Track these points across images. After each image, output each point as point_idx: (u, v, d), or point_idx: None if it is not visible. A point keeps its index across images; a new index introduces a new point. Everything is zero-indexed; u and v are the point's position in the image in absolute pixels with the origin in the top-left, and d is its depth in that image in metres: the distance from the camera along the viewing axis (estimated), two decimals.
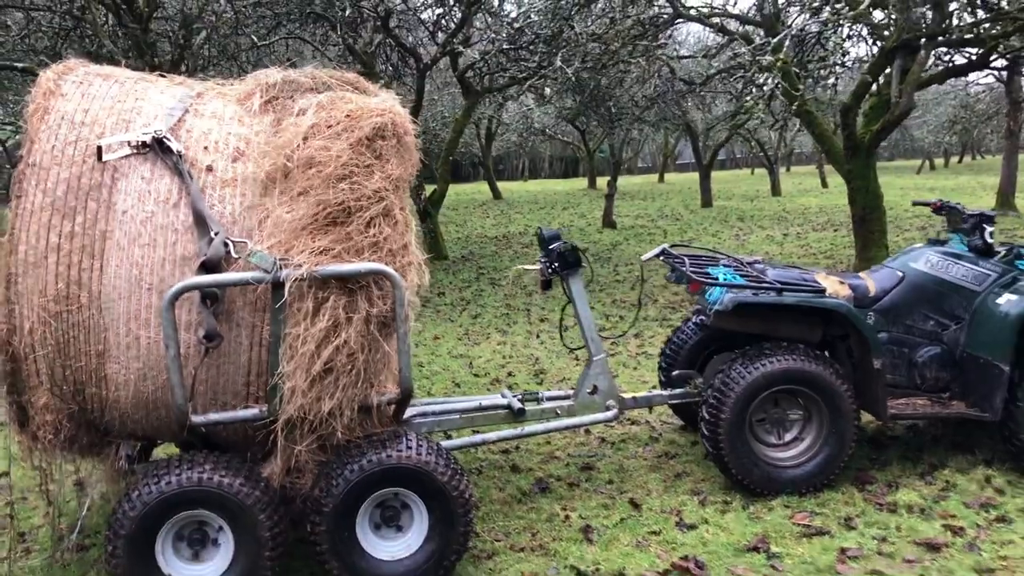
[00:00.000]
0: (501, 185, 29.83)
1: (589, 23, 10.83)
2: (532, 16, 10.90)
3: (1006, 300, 4.25)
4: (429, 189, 13.74)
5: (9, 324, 3.13)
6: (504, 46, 11.69)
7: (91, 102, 3.36)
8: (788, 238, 14.95)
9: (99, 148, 3.18)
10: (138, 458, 3.65)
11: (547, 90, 13.16)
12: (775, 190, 25.41)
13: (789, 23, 9.87)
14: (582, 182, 34.38)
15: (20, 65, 9.30)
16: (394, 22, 12.41)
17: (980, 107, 26.76)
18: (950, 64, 10.12)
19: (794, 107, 8.68)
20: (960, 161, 44.01)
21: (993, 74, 15.96)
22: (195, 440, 3.35)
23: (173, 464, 3.20)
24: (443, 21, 13.18)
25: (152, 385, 3.23)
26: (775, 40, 7.99)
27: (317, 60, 13.70)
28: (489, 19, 13.09)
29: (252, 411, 3.27)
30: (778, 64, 7.72)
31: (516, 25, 10.68)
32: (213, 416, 3.25)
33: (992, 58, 9.75)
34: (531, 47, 11.26)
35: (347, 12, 10.71)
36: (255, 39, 11.16)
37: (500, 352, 7.49)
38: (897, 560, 3.49)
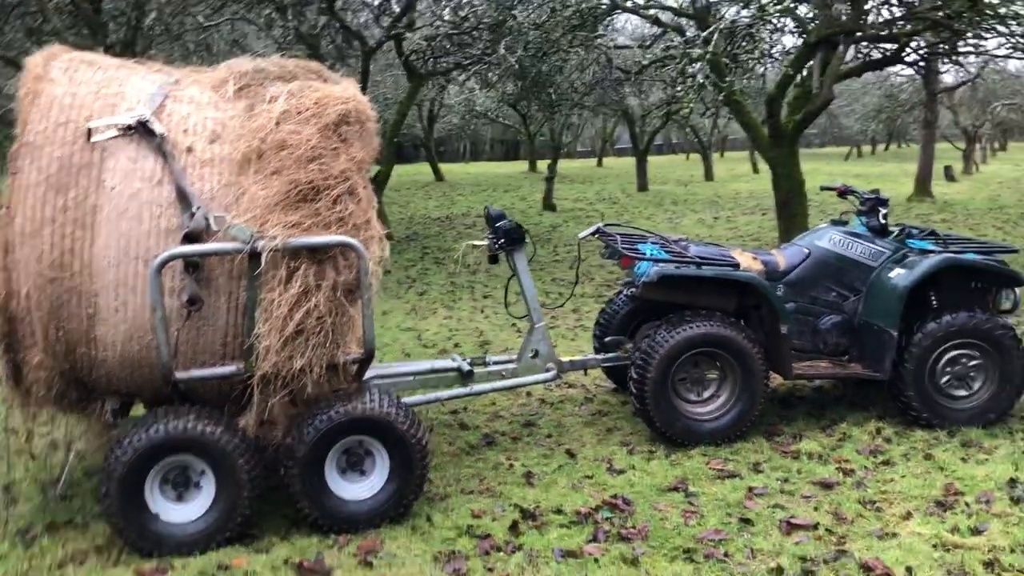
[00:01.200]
0: (443, 167, 30.05)
1: (530, 11, 11.23)
2: (475, 2, 11.24)
3: (896, 274, 4.83)
4: (374, 170, 13.96)
5: (7, 289, 3.45)
6: (448, 31, 12.00)
7: (78, 87, 3.67)
8: (719, 221, 15.65)
9: (89, 130, 3.51)
10: (121, 414, 3.98)
11: (492, 75, 13.52)
12: (708, 175, 26.25)
13: (720, 16, 10.41)
14: (523, 165, 34.76)
15: None
16: (339, 4, 12.62)
17: (903, 97, 27.94)
18: (867, 58, 10.82)
19: (721, 96, 9.25)
20: (887, 149, 45.71)
21: (911, 67, 16.80)
22: (176, 396, 3.71)
23: (160, 414, 3.56)
24: (387, 4, 13.42)
25: (137, 345, 3.59)
26: (705, 33, 8.51)
27: (261, 41, 13.83)
28: (433, 3, 13.38)
29: (230, 368, 3.65)
30: (707, 56, 8.25)
31: (461, 13, 11.02)
32: (195, 372, 3.63)
33: (905, 53, 10.46)
34: (474, 33, 11.60)
35: None
36: (201, 20, 11.29)
37: (447, 326, 7.91)
38: (796, 496, 4.04)
